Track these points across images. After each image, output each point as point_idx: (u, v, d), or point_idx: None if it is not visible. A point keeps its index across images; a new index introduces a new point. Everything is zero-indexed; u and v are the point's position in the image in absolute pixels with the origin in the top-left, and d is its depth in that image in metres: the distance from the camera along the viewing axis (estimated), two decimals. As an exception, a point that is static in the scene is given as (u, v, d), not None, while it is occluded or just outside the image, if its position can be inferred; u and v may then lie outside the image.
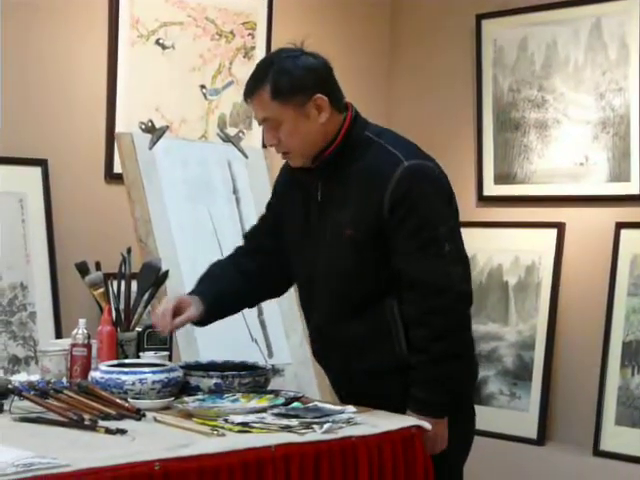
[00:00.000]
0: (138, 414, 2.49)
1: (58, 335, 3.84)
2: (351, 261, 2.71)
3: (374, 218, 2.65)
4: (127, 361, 2.85)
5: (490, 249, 4.55)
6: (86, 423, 2.38)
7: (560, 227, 4.41)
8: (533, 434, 4.35)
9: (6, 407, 2.55)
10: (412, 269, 2.64)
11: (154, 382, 2.66)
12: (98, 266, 3.09)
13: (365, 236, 2.67)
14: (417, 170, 2.65)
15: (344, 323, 2.75)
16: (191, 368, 2.85)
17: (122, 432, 2.32)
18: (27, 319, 3.83)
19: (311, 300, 2.85)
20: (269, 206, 3.01)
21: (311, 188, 2.79)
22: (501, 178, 4.64)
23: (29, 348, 3.81)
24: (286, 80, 2.67)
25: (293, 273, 2.92)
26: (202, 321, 2.91)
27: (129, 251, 3.13)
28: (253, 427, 2.41)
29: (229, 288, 2.92)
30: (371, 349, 2.72)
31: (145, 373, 2.67)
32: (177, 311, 2.82)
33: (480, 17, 4.66)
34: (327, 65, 2.78)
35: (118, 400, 2.58)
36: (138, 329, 3.03)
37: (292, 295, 3.71)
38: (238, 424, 2.41)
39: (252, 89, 2.72)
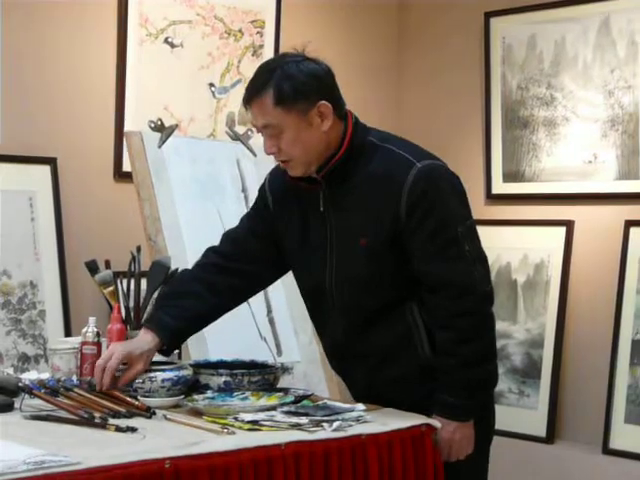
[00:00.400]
0: (148, 412, 2.49)
1: (67, 333, 3.85)
2: (367, 270, 2.65)
3: (390, 224, 2.60)
4: (137, 359, 2.84)
5: (499, 247, 4.54)
6: (96, 421, 2.38)
7: (569, 225, 4.40)
8: (542, 432, 4.35)
9: (17, 405, 2.56)
10: (434, 272, 2.60)
11: (164, 380, 2.66)
12: (108, 264, 3.10)
13: (381, 244, 2.61)
14: (431, 171, 2.61)
15: (364, 334, 2.71)
16: (200, 366, 2.84)
17: (132, 430, 2.32)
18: (37, 317, 3.84)
19: (322, 313, 2.79)
20: (258, 209, 2.90)
21: (311, 199, 2.71)
22: (510, 176, 4.63)
23: (39, 346, 3.82)
24: (290, 86, 2.59)
25: (297, 284, 2.86)
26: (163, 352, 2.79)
27: (139, 249, 3.14)
28: (263, 425, 2.41)
29: (195, 313, 2.81)
30: (395, 357, 2.68)
31: (155, 371, 2.68)
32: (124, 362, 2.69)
33: (489, 15, 4.66)
34: (330, 71, 2.70)
35: (128, 398, 2.58)
36: (148, 327, 3.03)
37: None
38: (248, 422, 2.41)
39: (254, 94, 2.63)
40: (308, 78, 2.61)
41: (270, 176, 2.89)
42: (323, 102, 2.61)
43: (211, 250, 2.94)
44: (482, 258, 2.65)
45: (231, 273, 2.85)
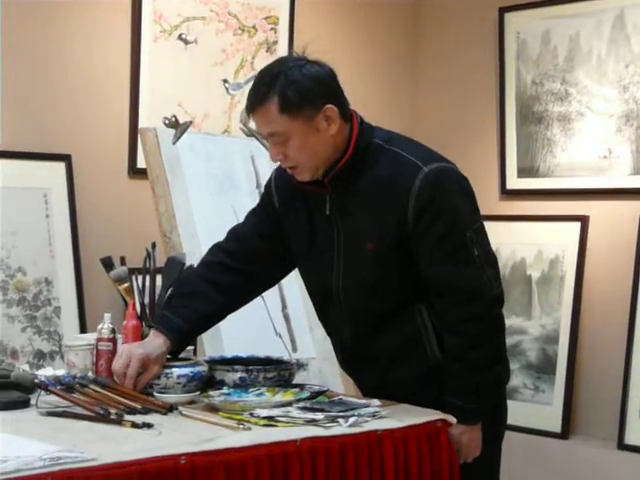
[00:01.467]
0: (165, 408, 2.49)
1: (82, 330, 3.86)
2: (374, 275, 2.62)
3: (397, 228, 2.56)
4: (152, 355, 2.85)
5: (513, 243, 4.54)
6: (112, 417, 2.38)
7: (584, 220, 4.40)
8: (557, 428, 4.34)
9: (33, 402, 2.56)
10: (442, 277, 2.57)
11: (179, 376, 2.66)
12: (123, 261, 3.10)
13: (388, 248, 2.58)
14: (438, 174, 2.55)
15: (372, 337, 2.69)
16: (216, 362, 2.84)
17: (148, 426, 2.32)
18: (52, 314, 3.85)
19: (330, 316, 2.77)
20: (264, 206, 2.85)
21: (317, 201, 2.66)
22: (524, 171, 4.63)
23: (54, 343, 3.83)
24: (295, 92, 2.51)
25: (305, 285, 2.84)
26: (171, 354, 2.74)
27: (154, 246, 3.13)
28: (279, 421, 2.40)
29: (203, 314, 2.78)
30: (404, 359, 2.67)
31: (170, 367, 2.67)
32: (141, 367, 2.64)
33: (503, 10, 4.65)
34: (333, 73, 2.61)
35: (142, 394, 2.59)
36: (163, 324, 3.03)
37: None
38: (264, 418, 2.41)
39: (257, 102, 2.54)
40: (313, 83, 2.54)
41: (276, 173, 2.83)
42: (329, 106, 2.55)
43: (218, 247, 2.89)
44: (491, 261, 2.61)
45: (238, 273, 2.80)
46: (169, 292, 2.88)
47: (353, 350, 2.76)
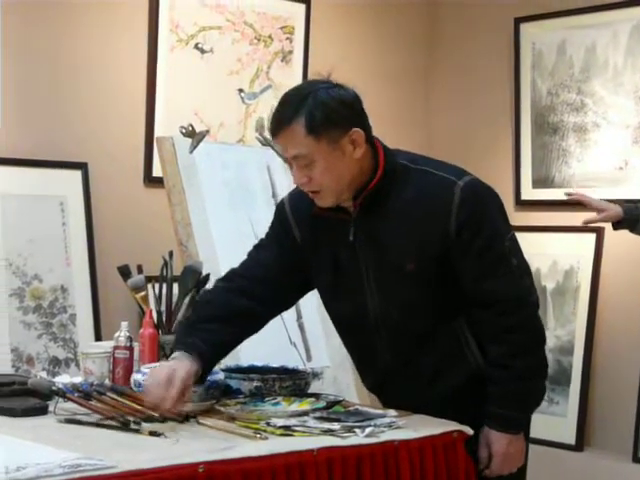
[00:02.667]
0: (182, 417, 2.49)
1: (98, 337, 3.87)
2: (415, 295, 2.60)
3: (439, 246, 2.54)
4: (169, 364, 2.85)
5: (528, 253, 4.38)
6: (131, 426, 2.39)
7: (599, 232, 4.39)
8: (572, 440, 4.34)
9: (51, 409, 2.57)
10: (487, 289, 2.56)
11: (196, 385, 2.66)
12: (140, 269, 3.11)
13: (429, 266, 2.56)
14: (475, 187, 2.56)
15: (415, 356, 2.66)
16: (232, 371, 2.85)
17: (165, 435, 2.33)
18: (67, 321, 3.86)
19: (362, 342, 2.73)
20: (278, 235, 2.78)
21: (339, 227, 2.62)
22: (539, 182, 4.63)
23: (69, 350, 3.84)
24: (322, 113, 2.48)
25: (330, 316, 2.81)
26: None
27: (171, 255, 3.15)
28: (295, 430, 2.41)
29: (223, 341, 2.70)
30: (447, 372, 2.65)
31: (187, 376, 2.67)
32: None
33: (519, 20, 4.66)
34: (358, 97, 2.59)
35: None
36: (179, 332, 3.04)
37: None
38: (280, 427, 2.42)
39: (284, 123, 2.51)
40: (340, 105, 2.52)
41: (290, 204, 2.77)
42: (356, 129, 2.52)
43: (235, 273, 2.82)
44: (528, 269, 2.64)
45: (257, 299, 2.73)
46: (191, 316, 2.83)
47: (393, 375, 2.71)
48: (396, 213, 2.58)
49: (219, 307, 2.72)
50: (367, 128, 2.59)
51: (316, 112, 2.48)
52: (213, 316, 2.69)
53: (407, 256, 2.57)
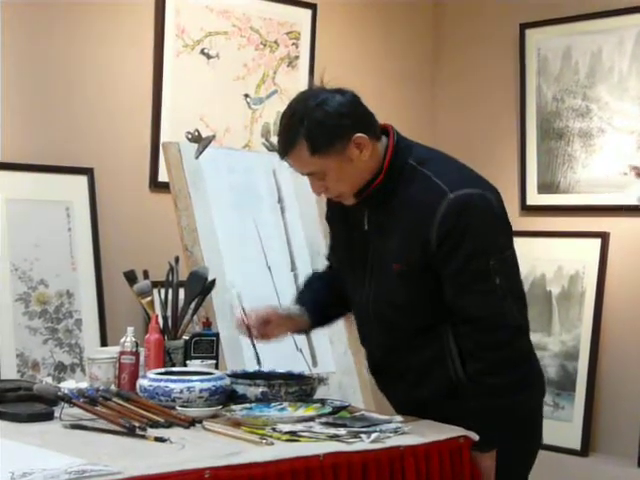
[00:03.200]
0: (188, 422, 2.50)
1: (103, 342, 3.87)
2: (401, 294, 2.63)
3: (421, 252, 2.56)
4: (175, 369, 2.86)
5: (533, 259, 4.53)
6: (137, 431, 2.39)
7: (604, 237, 4.39)
8: (577, 445, 4.33)
9: (56, 414, 2.57)
10: (463, 305, 2.56)
11: (202, 390, 2.66)
12: (146, 275, 3.11)
13: (413, 270, 2.58)
14: (463, 202, 2.53)
15: (399, 355, 2.71)
16: (238, 377, 2.85)
17: (171, 440, 2.33)
18: (73, 326, 3.87)
19: (364, 328, 2.81)
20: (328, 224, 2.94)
21: (357, 215, 2.69)
22: (544, 187, 4.63)
23: (75, 355, 3.85)
24: (321, 133, 2.51)
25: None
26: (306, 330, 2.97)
27: (177, 260, 3.15)
28: (301, 436, 2.41)
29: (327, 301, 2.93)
30: (428, 377, 2.67)
31: (193, 381, 2.67)
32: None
33: (524, 26, 4.65)
34: (355, 99, 2.60)
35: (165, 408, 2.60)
36: (185, 337, 3.04)
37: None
38: (286, 433, 2.41)
39: (287, 148, 2.56)
40: (337, 119, 2.53)
41: None
42: (358, 134, 2.55)
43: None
44: (515, 291, 2.58)
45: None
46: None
47: (383, 365, 2.79)
48: (396, 212, 2.61)
49: (327, 280, 2.96)
50: (371, 127, 2.60)
51: (315, 133, 2.52)
52: (322, 284, 2.96)
53: (395, 256, 2.61)
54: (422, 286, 2.61)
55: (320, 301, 2.90)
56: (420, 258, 2.57)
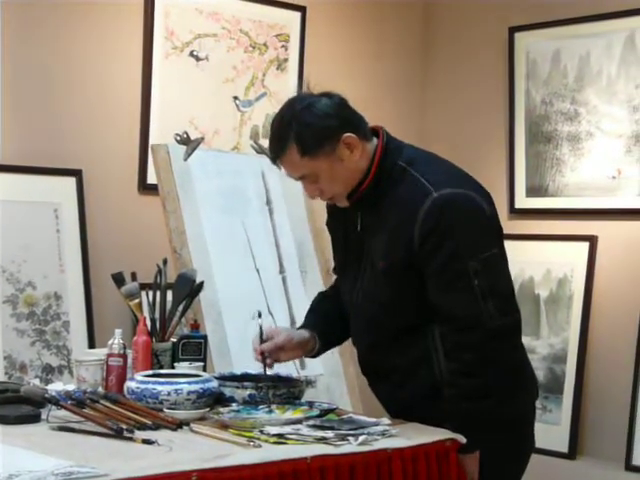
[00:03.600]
0: (176, 424, 2.49)
1: (91, 345, 3.86)
2: (386, 292, 2.66)
3: (405, 251, 2.59)
4: (162, 371, 2.86)
5: (522, 262, 4.53)
6: (124, 433, 2.39)
7: (592, 240, 4.40)
8: (564, 448, 4.34)
9: (44, 416, 2.57)
10: (442, 304, 2.58)
11: (189, 392, 2.67)
12: (134, 277, 3.11)
13: (397, 269, 2.62)
14: (446, 202, 2.55)
15: (384, 352, 2.73)
16: (225, 379, 2.85)
17: (158, 442, 2.33)
18: (61, 328, 3.86)
19: (354, 329, 2.83)
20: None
21: (352, 216, 2.74)
22: (533, 191, 4.63)
23: (62, 357, 3.84)
24: (310, 134, 2.57)
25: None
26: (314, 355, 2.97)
27: (165, 262, 3.15)
28: (289, 438, 2.41)
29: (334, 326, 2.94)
30: (413, 377, 2.69)
31: (181, 383, 2.68)
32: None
33: (513, 30, 4.66)
34: (342, 101, 2.66)
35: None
36: (173, 339, 3.04)
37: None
38: (274, 435, 2.41)
39: (278, 153, 2.63)
40: (325, 120, 2.59)
41: None
42: (346, 135, 2.60)
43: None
44: (497, 293, 2.57)
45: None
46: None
47: (369, 363, 2.81)
48: (384, 212, 2.65)
49: (333, 302, 2.95)
50: (358, 127, 2.65)
51: (304, 135, 2.57)
52: (329, 306, 2.96)
53: (381, 254, 2.65)
54: (406, 284, 2.63)
55: (329, 324, 2.91)
56: (404, 256, 2.59)
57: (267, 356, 2.81)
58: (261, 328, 2.84)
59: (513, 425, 2.68)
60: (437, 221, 2.54)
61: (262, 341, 2.82)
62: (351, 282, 2.78)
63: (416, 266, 2.59)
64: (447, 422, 2.59)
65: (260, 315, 2.89)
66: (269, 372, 2.84)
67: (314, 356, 2.96)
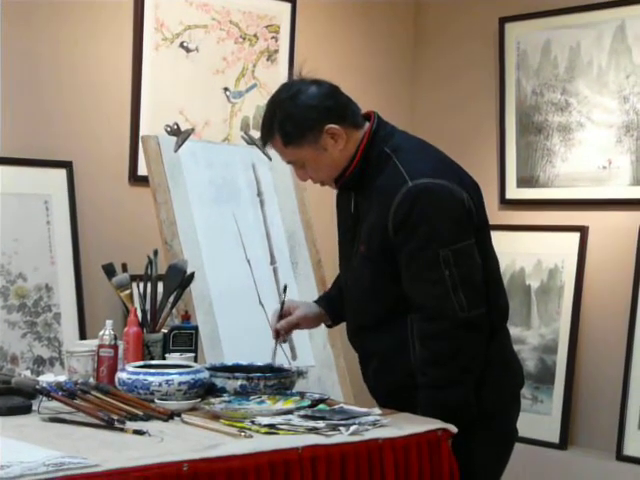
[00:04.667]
0: (167, 415, 2.49)
1: (82, 336, 3.86)
2: (366, 277, 2.71)
3: (381, 238, 2.63)
4: (153, 362, 2.86)
5: (512, 252, 4.54)
6: (115, 424, 2.39)
7: (583, 231, 4.40)
8: (555, 438, 4.35)
9: (34, 407, 2.57)
10: (412, 292, 2.62)
11: (180, 383, 2.67)
12: (124, 268, 3.11)
13: (375, 254, 2.66)
14: (419, 191, 2.57)
15: (365, 337, 2.78)
16: (217, 370, 2.85)
17: (150, 433, 2.33)
18: (52, 320, 3.85)
19: (345, 309, 2.89)
20: None
21: (348, 200, 2.80)
22: (524, 181, 4.64)
23: (54, 349, 3.83)
24: (292, 125, 2.65)
25: None
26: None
27: (156, 253, 3.15)
28: (280, 429, 2.41)
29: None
30: (392, 364, 2.72)
31: (172, 374, 2.68)
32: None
33: (503, 20, 4.66)
34: (331, 89, 2.71)
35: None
36: (164, 330, 3.04)
37: (315, 296, 3.73)
38: (265, 426, 2.42)
39: (267, 140, 2.73)
40: (307, 111, 2.65)
41: None
42: (329, 126, 2.66)
43: None
44: (468, 283, 2.58)
45: None
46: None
47: (354, 344, 2.87)
48: (369, 198, 2.70)
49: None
50: (344, 117, 2.69)
51: (286, 125, 2.65)
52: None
53: (362, 238, 2.71)
54: (384, 271, 2.67)
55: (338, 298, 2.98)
56: (380, 243, 2.64)
57: (282, 334, 2.96)
58: (282, 304, 3.00)
59: (486, 416, 2.67)
60: (410, 210, 2.58)
61: (280, 317, 2.97)
62: (345, 263, 2.84)
63: (392, 254, 2.63)
64: (419, 410, 2.61)
65: (285, 289, 3.03)
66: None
67: (330, 326, 3.13)
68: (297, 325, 3.00)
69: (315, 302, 3.07)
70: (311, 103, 2.66)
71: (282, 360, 3.43)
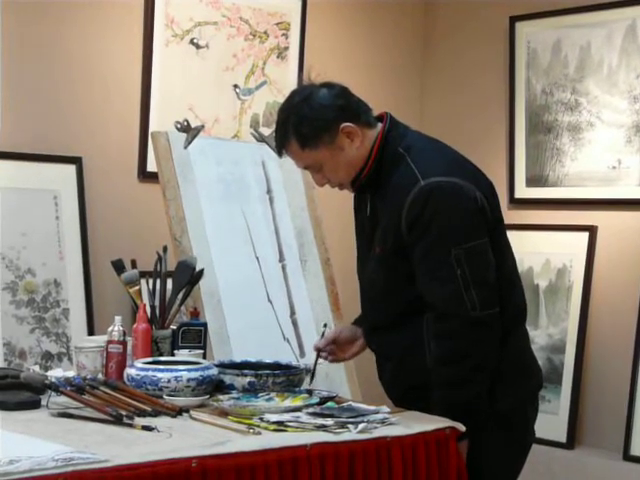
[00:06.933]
0: (175, 411, 2.50)
1: (90, 332, 3.87)
2: (382, 277, 2.72)
3: (395, 238, 2.63)
4: (162, 359, 2.86)
5: (521, 252, 4.46)
6: (124, 420, 2.39)
7: (592, 230, 4.40)
8: (563, 438, 4.34)
9: (44, 402, 2.57)
10: (425, 290, 2.62)
11: (189, 380, 2.67)
12: (134, 264, 3.11)
13: (389, 254, 2.66)
14: (431, 190, 2.57)
15: (381, 337, 2.78)
16: (225, 367, 2.85)
17: (158, 429, 2.33)
18: (60, 315, 3.86)
19: (362, 310, 2.89)
20: None
21: (365, 201, 2.80)
22: (533, 181, 4.63)
23: (62, 344, 3.84)
24: (307, 127, 2.64)
25: None
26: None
27: (165, 249, 3.15)
28: (288, 426, 2.41)
29: None
30: (408, 364, 2.71)
31: (180, 371, 2.68)
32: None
33: (514, 19, 4.66)
34: (343, 90, 2.71)
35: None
36: (173, 327, 3.05)
37: (324, 294, 3.72)
38: (273, 423, 2.42)
39: (282, 146, 2.71)
40: (321, 112, 2.65)
41: None
42: (344, 124, 2.65)
43: None
44: (480, 282, 2.57)
45: None
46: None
47: (371, 346, 2.87)
48: (384, 198, 2.69)
49: None
50: (358, 116, 2.69)
51: (302, 128, 2.64)
52: None
53: (377, 239, 2.71)
54: (398, 270, 2.67)
55: None
56: (394, 242, 2.64)
57: (321, 354, 3.01)
58: (323, 333, 3.07)
59: (501, 417, 2.68)
60: (421, 209, 2.57)
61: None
62: (362, 266, 2.84)
63: (406, 253, 2.63)
64: (433, 409, 2.61)
65: (325, 326, 3.16)
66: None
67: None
68: (334, 342, 3.00)
69: (352, 323, 3.06)
70: (324, 103, 2.66)
71: (290, 357, 3.45)
